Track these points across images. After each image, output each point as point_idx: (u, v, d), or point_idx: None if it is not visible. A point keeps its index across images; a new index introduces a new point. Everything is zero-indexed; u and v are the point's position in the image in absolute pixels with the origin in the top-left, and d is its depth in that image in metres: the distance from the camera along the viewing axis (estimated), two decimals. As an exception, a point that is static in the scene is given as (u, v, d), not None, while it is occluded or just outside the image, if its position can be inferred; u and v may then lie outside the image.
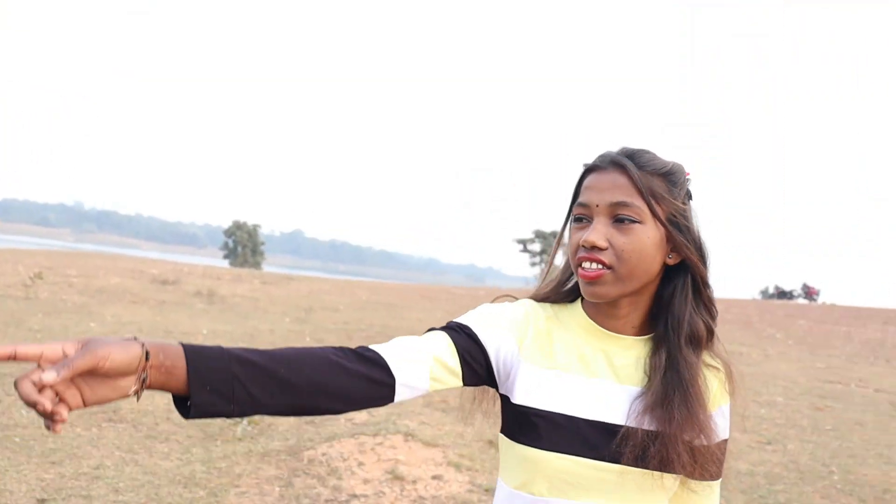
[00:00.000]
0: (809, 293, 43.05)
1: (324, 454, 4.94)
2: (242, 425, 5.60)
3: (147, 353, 0.96)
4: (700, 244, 1.28)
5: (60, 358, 0.91)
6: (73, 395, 0.93)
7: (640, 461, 1.20)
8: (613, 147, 1.31)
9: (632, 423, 1.21)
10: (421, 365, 1.19)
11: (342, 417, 6.04)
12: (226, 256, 72.76)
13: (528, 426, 1.25)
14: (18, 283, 13.51)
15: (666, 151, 1.32)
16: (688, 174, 1.31)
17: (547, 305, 1.37)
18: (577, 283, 1.32)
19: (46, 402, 0.87)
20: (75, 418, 5.36)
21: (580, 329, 1.31)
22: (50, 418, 0.89)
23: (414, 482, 4.59)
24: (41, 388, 0.88)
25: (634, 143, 1.31)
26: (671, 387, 1.22)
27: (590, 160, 1.30)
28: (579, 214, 1.27)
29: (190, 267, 24.84)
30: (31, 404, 0.87)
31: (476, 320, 1.29)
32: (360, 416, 6.10)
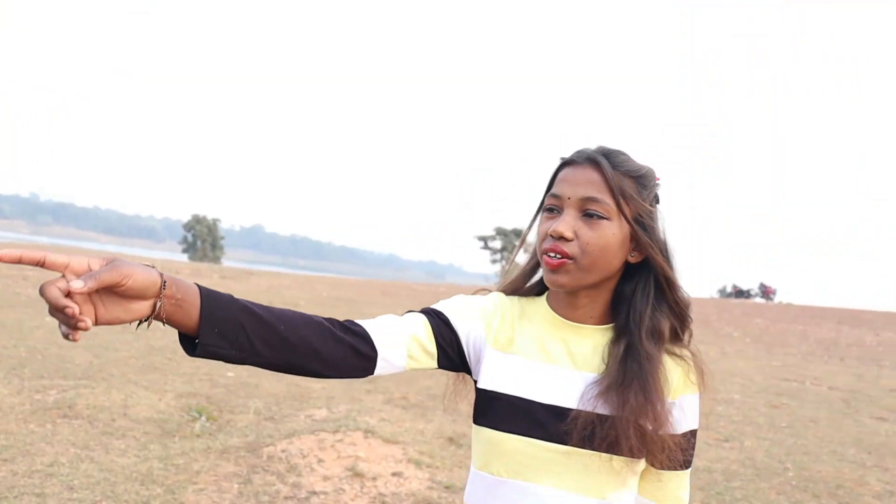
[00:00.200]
0: (766, 292, 43.72)
1: (283, 451, 4.90)
2: (201, 421, 5.54)
3: (164, 283, 1.03)
4: (665, 245, 1.34)
5: (86, 270, 0.96)
6: (88, 311, 0.98)
7: (587, 442, 1.26)
8: (591, 145, 1.37)
9: (583, 406, 1.27)
10: (400, 343, 1.28)
11: (301, 414, 6.01)
12: (185, 251, 72.03)
13: (489, 409, 1.34)
14: (-29, 276, 13.26)
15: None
16: (658, 179, 1.37)
17: (515, 298, 1.45)
18: (542, 277, 1.40)
19: (75, 305, 0.91)
20: (28, 414, 5.27)
21: (542, 319, 1.39)
22: (73, 325, 0.93)
23: (374, 479, 4.58)
24: (66, 295, 0.92)
25: (611, 144, 1.36)
26: (629, 374, 1.27)
27: (567, 154, 1.36)
28: (551, 205, 1.33)
29: (148, 261, 24.51)
30: (59, 308, 0.91)
31: (449, 307, 1.38)
32: (320, 412, 6.07)
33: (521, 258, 1.51)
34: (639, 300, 1.34)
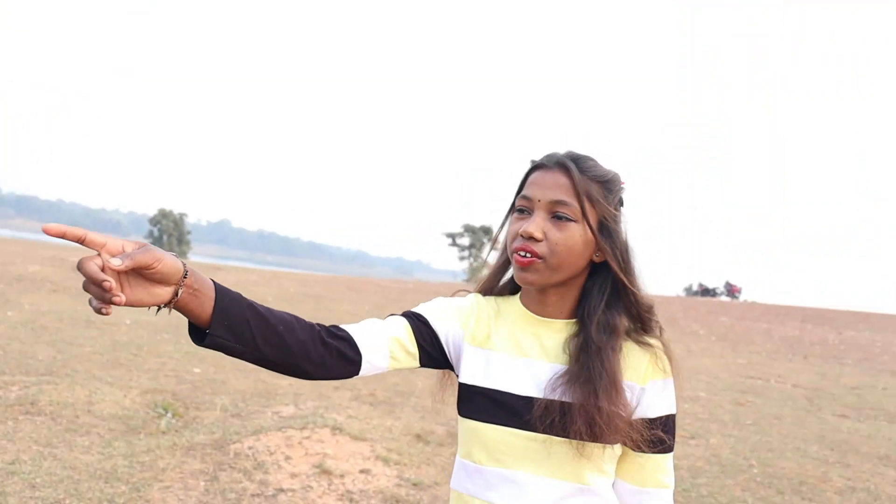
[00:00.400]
0: (732, 291, 44.20)
1: (250, 448, 4.86)
2: (167, 418, 5.49)
3: (186, 272, 1.12)
4: (625, 247, 1.43)
5: (120, 251, 1.04)
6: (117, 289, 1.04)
7: (557, 430, 1.35)
8: (561, 149, 1.47)
9: (548, 396, 1.37)
10: (382, 346, 1.39)
11: (269, 410, 5.97)
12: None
13: (470, 401, 1.45)
14: (-69, 270, 13.02)
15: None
16: (623, 183, 1.46)
17: (492, 298, 1.56)
18: (513, 275, 1.49)
19: (111, 279, 0.99)
20: (-10, 410, 5.19)
21: (517, 316, 1.49)
22: (108, 299, 1.01)
23: (342, 476, 4.56)
24: (103, 270, 1.01)
25: (580, 150, 1.46)
26: (583, 364, 1.36)
27: (538, 157, 1.46)
28: (521, 206, 1.42)
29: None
30: (98, 281, 0.99)
31: (428, 309, 1.49)
32: (288, 409, 6.04)
33: (493, 256, 1.60)
34: (594, 297, 1.43)
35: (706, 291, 46.02)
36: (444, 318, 1.49)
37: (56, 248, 23.71)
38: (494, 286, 1.57)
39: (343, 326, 1.38)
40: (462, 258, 64.36)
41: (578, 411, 1.33)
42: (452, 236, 64.51)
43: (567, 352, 1.42)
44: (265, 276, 23.89)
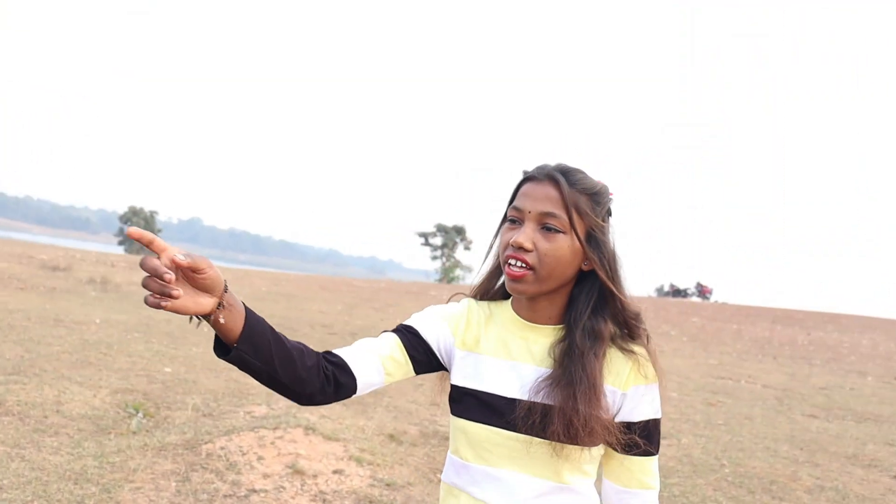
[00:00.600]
0: (703, 292, 44.57)
1: (222, 448, 4.82)
2: (137, 418, 5.43)
3: (226, 286, 1.23)
4: (612, 257, 1.49)
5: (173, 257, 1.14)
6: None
7: (537, 431, 1.41)
8: (550, 161, 1.53)
9: (532, 398, 1.43)
10: (375, 365, 1.49)
11: (241, 410, 5.93)
12: (120, 243, 70.54)
13: (460, 402, 1.53)
14: None
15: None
16: (611, 195, 1.53)
17: (484, 303, 1.63)
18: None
19: (172, 273, 1.11)
20: (-43, 410, 5.11)
21: (507, 321, 1.57)
22: (168, 292, 1.11)
23: (315, 476, 4.53)
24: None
25: (571, 162, 1.51)
26: (565, 369, 1.43)
27: (529, 169, 1.52)
28: (513, 217, 1.49)
29: (82, 253, 23.98)
30: (160, 273, 1.09)
31: (418, 320, 1.58)
32: (260, 409, 6.00)
33: (488, 263, 1.66)
34: (581, 304, 1.49)
35: (677, 292, 46.37)
36: (434, 326, 1.57)
37: (24, 246, 23.44)
38: (488, 291, 1.65)
39: (336, 351, 1.47)
40: (434, 258, 64.33)
41: (557, 414, 1.39)
42: (425, 236, 64.47)
43: (553, 356, 1.48)
44: (237, 275, 23.74)
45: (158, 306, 1.12)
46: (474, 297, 1.66)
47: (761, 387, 10.87)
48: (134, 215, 70.69)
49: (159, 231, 72.79)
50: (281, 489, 4.33)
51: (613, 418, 1.45)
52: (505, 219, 1.53)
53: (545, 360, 1.49)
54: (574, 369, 1.42)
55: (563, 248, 1.43)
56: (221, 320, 1.24)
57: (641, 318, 1.51)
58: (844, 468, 6.21)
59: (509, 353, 1.52)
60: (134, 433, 5.14)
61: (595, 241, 1.46)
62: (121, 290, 14.79)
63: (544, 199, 1.44)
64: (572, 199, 1.43)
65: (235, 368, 7.86)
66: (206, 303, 1.20)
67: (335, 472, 4.64)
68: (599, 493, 1.55)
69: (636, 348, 1.48)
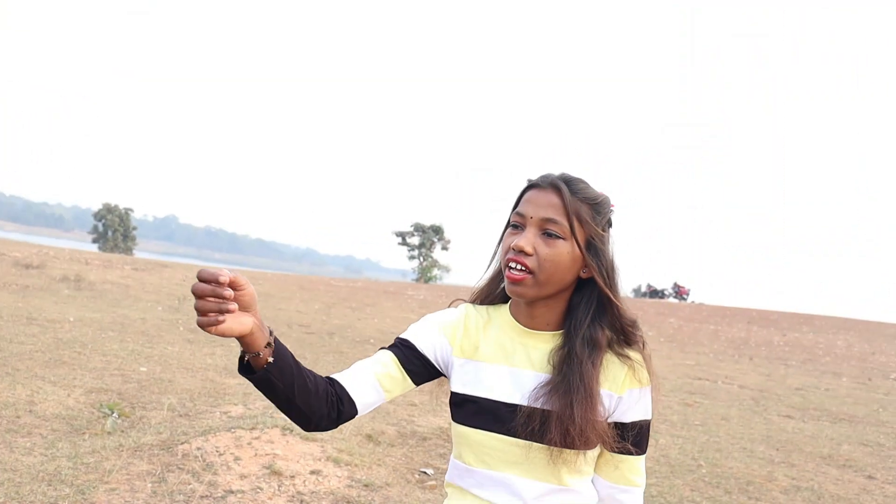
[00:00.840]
0: (680, 293, 44.81)
1: (199, 448, 4.78)
2: (112, 418, 5.37)
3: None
4: (611, 266, 1.53)
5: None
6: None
7: (536, 436, 1.45)
8: (554, 171, 1.56)
9: (531, 404, 1.47)
10: (373, 384, 1.54)
11: (217, 410, 5.88)
12: (95, 240, 69.99)
13: (461, 409, 1.56)
14: None
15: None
16: (612, 206, 1.56)
17: (483, 308, 1.66)
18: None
19: (231, 290, 1.17)
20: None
21: (506, 326, 1.59)
22: (225, 308, 1.16)
23: (292, 477, 4.50)
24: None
25: (574, 172, 1.56)
26: (565, 376, 1.46)
27: (534, 177, 1.56)
28: (516, 222, 1.53)
29: (56, 251, 23.69)
30: (219, 288, 1.15)
31: (414, 332, 1.62)
32: (237, 409, 5.95)
33: (491, 268, 1.69)
34: (581, 312, 1.53)
35: (654, 293, 46.59)
36: (430, 337, 1.61)
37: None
38: (489, 295, 1.68)
39: (336, 377, 1.52)
40: (412, 257, 64.26)
41: (555, 421, 1.43)
42: (402, 235, 64.39)
43: (551, 362, 1.51)
44: (213, 274, 23.54)
45: (214, 325, 1.16)
46: (474, 301, 1.69)
47: (738, 387, 10.94)
48: (109, 213, 70.13)
49: (134, 229, 72.22)
50: (258, 490, 4.29)
51: (607, 421, 1.50)
52: (508, 224, 1.57)
53: (544, 367, 1.52)
54: (572, 377, 1.45)
55: (563, 254, 1.47)
56: (270, 360, 1.32)
57: (638, 325, 1.55)
58: (820, 468, 6.26)
59: (508, 359, 1.55)
60: (109, 433, 5.09)
61: (595, 249, 1.50)
62: (95, 289, 14.65)
63: (546, 205, 1.48)
64: (573, 206, 1.47)
65: (211, 368, 7.79)
66: (248, 322, 1.24)
67: (312, 472, 4.61)
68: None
69: (632, 353, 1.53)
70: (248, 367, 1.35)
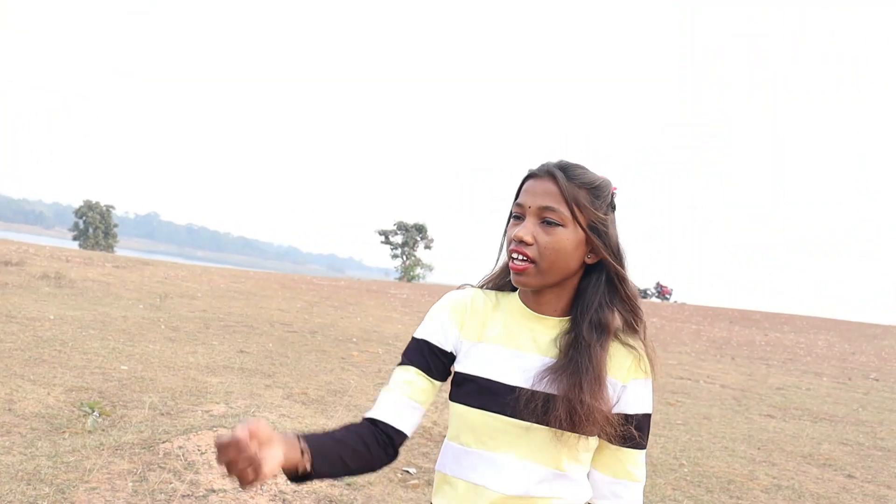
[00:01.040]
0: (662, 292, 45.02)
1: (180, 447, 4.75)
2: (93, 417, 5.33)
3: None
4: (617, 247, 1.54)
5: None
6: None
7: (539, 417, 1.46)
8: (553, 159, 1.57)
9: (535, 387, 1.47)
10: (409, 405, 1.55)
11: (199, 409, 5.85)
12: (75, 238, 69.50)
13: (461, 389, 1.55)
14: None
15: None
16: (614, 189, 1.57)
17: (492, 293, 1.66)
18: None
19: (252, 448, 1.16)
20: None
21: (514, 311, 1.60)
22: (258, 463, 1.15)
23: (275, 476, 4.48)
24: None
25: (572, 158, 1.56)
26: (572, 360, 1.47)
27: (533, 167, 1.56)
28: (517, 213, 1.54)
29: (36, 248, 23.50)
30: (251, 455, 1.16)
31: (429, 331, 1.61)
32: (219, 407, 5.93)
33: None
34: (589, 296, 1.53)
35: (637, 292, 46.83)
36: (444, 331, 1.60)
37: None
38: (504, 278, 1.66)
39: (374, 415, 1.55)
40: (395, 256, 64.20)
41: (562, 401, 1.43)
42: (385, 233, 64.32)
43: (558, 346, 1.52)
44: (195, 272, 23.46)
45: (257, 480, 1.17)
46: (482, 287, 1.70)
47: (720, 387, 11.00)
48: (89, 210, 69.65)
49: (116, 226, 71.77)
50: (240, 489, 4.27)
51: (612, 409, 1.51)
52: (511, 216, 1.59)
53: (549, 350, 1.53)
54: (580, 360, 1.46)
55: (563, 241, 1.47)
56: (309, 465, 1.33)
57: (642, 310, 1.57)
58: (800, 467, 6.30)
59: (513, 342, 1.56)
60: (89, 432, 5.05)
61: (598, 232, 1.51)
62: (75, 286, 14.54)
63: (543, 194, 1.49)
64: (571, 192, 1.48)
65: (193, 367, 7.75)
66: (278, 454, 1.23)
67: (295, 471, 4.59)
68: None
69: (636, 343, 1.55)
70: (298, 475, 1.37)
